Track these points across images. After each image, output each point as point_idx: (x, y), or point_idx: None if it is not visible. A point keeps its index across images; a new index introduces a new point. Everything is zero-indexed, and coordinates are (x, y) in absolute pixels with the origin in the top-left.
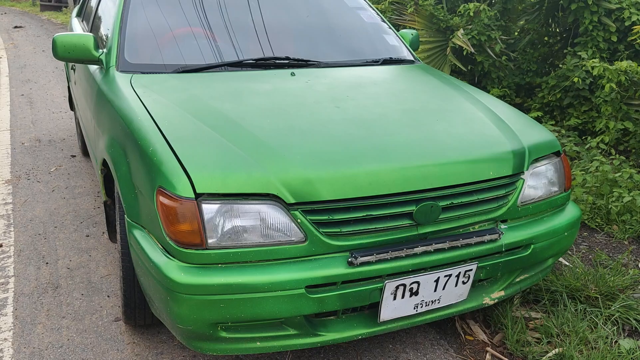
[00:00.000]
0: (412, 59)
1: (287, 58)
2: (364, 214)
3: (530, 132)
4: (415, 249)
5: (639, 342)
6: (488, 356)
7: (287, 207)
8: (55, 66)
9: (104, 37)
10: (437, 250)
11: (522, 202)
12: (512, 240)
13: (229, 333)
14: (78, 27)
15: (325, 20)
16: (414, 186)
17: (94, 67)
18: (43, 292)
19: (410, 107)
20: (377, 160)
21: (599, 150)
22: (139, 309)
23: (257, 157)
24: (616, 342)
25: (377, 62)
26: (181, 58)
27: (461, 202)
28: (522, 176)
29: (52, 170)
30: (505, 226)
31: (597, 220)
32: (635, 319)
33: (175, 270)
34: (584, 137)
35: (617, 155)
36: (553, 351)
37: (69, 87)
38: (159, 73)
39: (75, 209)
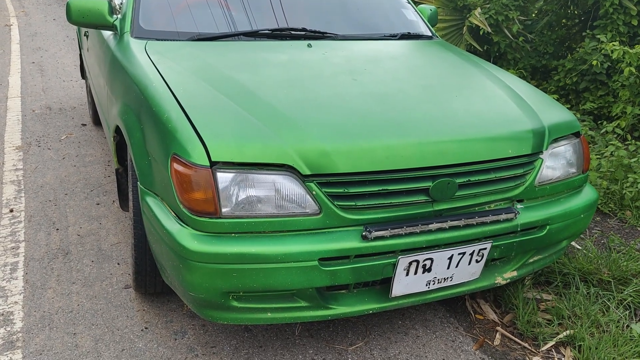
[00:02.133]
0: (431, 34)
1: (303, 29)
2: (380, 188)
3: (550, 111)
4: (430, 226)
5: None
6: (498, 335)
7: (303, 178)
8: (66, 35)
9: (118, 3)
10: (452, 228)
11: (539, 182)
12: (527, 220)
13: (241, 303)
14: None
15: None
16: (431, 162)
17: (107, 33)
18: (53, 257)
19: (429, 83)
20: (394, 134)
21: (615, 135)
22: (149, 277)
23: (274, 127)
24: (628, 326)
25: (395, 36)
26: (196, 26)
27: (478, 179)
28: (540, 156)
29: (62, 138)
30: (522, 206)
31: (610, 205)
32: None
33: (188, 238)
34: (599, 122)
35: (633, 141)
36: (564, 333)
37: (80, 56)
38: (173, 40)
39: (86, 177)
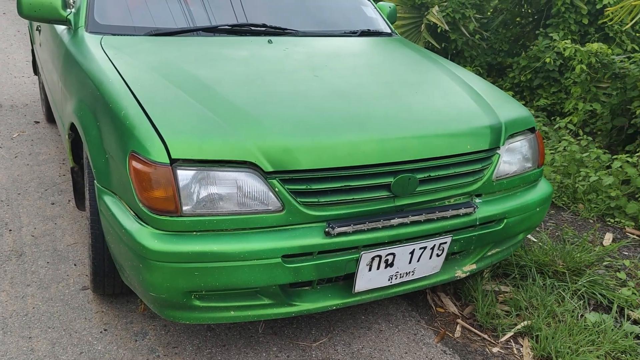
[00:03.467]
0: (390, 31)
1: (264, 25)
2: (342, 185)
3: (507, 107)
4: (392, 221)
5: (604, 316)
6: (458, 328)
7: (265, 175)
8: (17, 29)
9: None
10: (413, 223)
11: (497, 177)
12: (486, 214)
13: (203, 302)
14: None
15: None
16: (392, 158)
17: (61, 28)
18: (6, 259)
19: (389, 79)
20: (356, 130)
21: (567, 131)
22: (108, 278)
23: (235, 124)
24: (582, 315)
25: (355, 33)
26: (153, 21)
27: (438, 175)
28: (498, 151)
29: (14, 136)
30: (480, 200)
31: (563, 199)
32: (600, 294)
33: (148, 237)
34: (552, 118)
35: (585, 136)
36: (522, 323)
37: (32, 51)
38: (130, 35)
39: (40, 176)
